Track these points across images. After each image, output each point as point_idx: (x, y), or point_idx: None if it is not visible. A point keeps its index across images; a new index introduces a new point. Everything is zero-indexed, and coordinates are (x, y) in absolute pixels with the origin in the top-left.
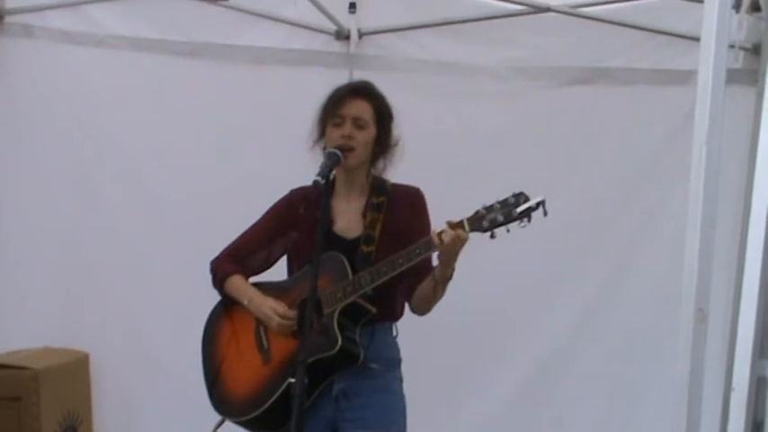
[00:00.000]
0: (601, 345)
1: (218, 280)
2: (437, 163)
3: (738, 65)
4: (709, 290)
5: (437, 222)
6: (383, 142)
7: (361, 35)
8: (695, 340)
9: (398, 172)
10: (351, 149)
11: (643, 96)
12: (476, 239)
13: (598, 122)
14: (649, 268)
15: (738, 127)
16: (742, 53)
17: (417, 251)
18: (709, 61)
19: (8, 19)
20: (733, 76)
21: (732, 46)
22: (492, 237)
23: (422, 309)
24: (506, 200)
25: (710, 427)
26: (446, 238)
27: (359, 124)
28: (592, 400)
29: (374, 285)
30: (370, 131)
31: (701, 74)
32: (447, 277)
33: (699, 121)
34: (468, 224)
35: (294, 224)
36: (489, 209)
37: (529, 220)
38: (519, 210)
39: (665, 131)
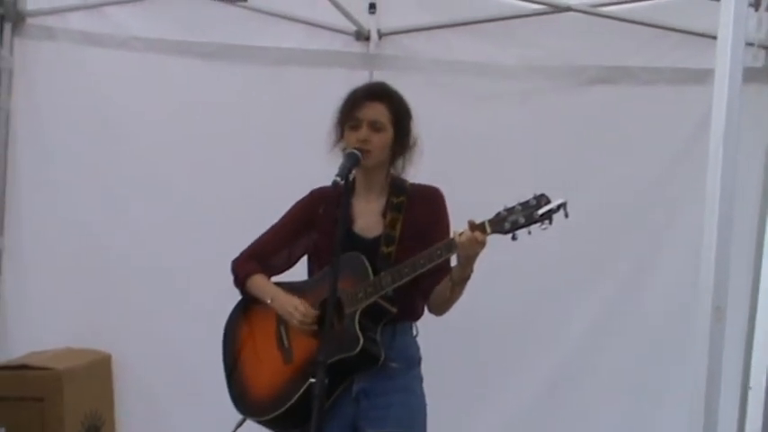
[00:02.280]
0: (620, 346)
1: (241, 279)
2: (457, 163)
3: (758, 63)
4: (726, 288)
5: (458, 222)
6: (402, 142)
7: (380, 35)
8: (713, 339)
9: (419, 172)
10: (368, 152)
11: (662, 95)
12: (495, 240)
13: (617, 121)
14: (669, 268)
15: (757, 125)
16: (763, 52)
17: (439, 252)
18: (725, 59)
19: (30, 21)
20: (752, 75)
21: (751, 44)
22: (513, 239)
23: (439, 309)
24: (527, 202)
25: (728, 426)
26: (467, 240)
27: (375, 127)
28: (611, 401)
29: (395, 286)
30: (387, 133)
31: (718, 72)
32: (465, 278)
33: (715, 119)
34: (490, 226)
35: (314, 224)
36: (510, 211)
37: (550, 223)
38: (540, 212)
39: (684, 130)
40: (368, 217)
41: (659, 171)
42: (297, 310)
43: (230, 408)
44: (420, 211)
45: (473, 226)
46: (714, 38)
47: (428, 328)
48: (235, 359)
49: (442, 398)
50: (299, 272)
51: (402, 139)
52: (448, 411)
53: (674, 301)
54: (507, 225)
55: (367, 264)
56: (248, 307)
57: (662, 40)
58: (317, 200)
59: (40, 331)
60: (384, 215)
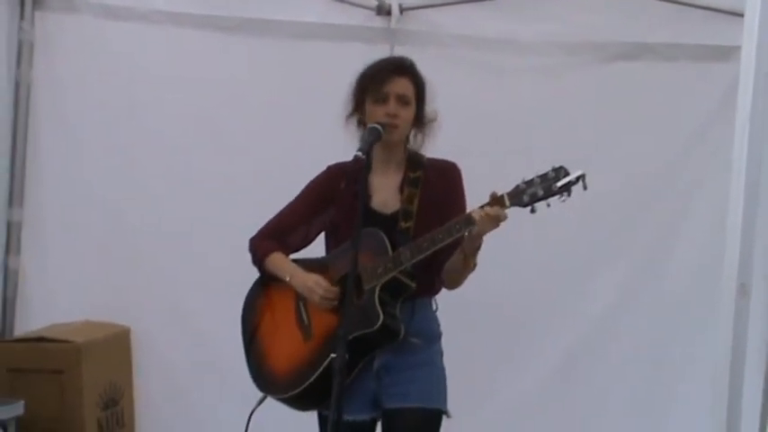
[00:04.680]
0: (641, 322)
1: (259, 258)
2: (478, 138)
3: None
4: (751, 264)
5: (478, 197)
6: (421, 118)
7: (402, 10)
8: (737, 315)
9: (439, 147)
10: (395, 127)
11: (686, 72)
12: (515, 216)
13: (640, 98)
14: (691, 244)
15: None
16: None
17: (458, 227)
18: (753, 36)
19: None
20: None
21: None
22: (532, 211)
23: (453, 282)
24: (546, 174)
25: (752, 403)
26: (485, 215)
27: (403, 101)
28: (632, 378)
29: (414, 261)
30: (413, 108)
31: (745, 49)
32: (476, 249)
33: (742, 97)
34: (509, 199)
35: (332, 200)
36: (529, 183)
37: (569, 195)
38: (559, 184)
39: (708, 108)
40: (385, 192)
41: (681, 147)
42: (318, 285)
43: (250, 382)
44: (437, 186)
45: (494, 200)
46: (738, 15)
47: (448, 304)
48: (254, 337)
49: (462, 373)
50: (317, 250)
51: (422, 113)
52: (467, 386)
53: (696, 277)
54: (526, 198)
55: (386, 239)
56: (266, 285)
57: (685, 17)
58: (334, 175)
59: (59, 304)
60: (401, 190)
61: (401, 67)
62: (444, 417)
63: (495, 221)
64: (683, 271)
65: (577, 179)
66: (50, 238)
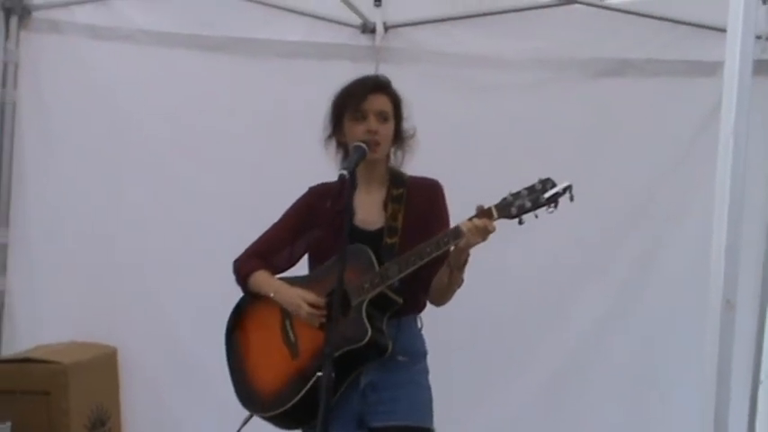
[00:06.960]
0: (628, 339)
1: (242, 277)
2: (463, 155)
3: (766, 56)
4: (736, 281)
5: (463, 213)
6: (400, 134)
7: (386, 28)
8: (723, 330)
9: (424, 163)
10: (377, 144)
11: (669, 88)
12: (504, 232)
13: (624, 114)
14: (678, 260)
15: (764, 117)
16: None
17: (445, 239)
18: (735, 52)
19: (36, 15)
20: (760, 68)
21: (759, 37)
22: (520, 223)
23: (440, 298)
24: (533, 186)
25: (739, 418)
26: (474, 227)
27: (383, 117)
28: (619, 396)
29: (402, 275)
30: (392, 124)
31: (728, 65)
32: (463, 263)
33: (725, 112)
34: (497, 211)
35: (315, 220)
36: (516, 195)
37: (556, 206)
38: (546, 195)
39: (692, 123)
40: (369, 209)
41: (667, 163)
42: (304, 300)
43: (236, 402)
44: (420, 203)
45: (481, 212)
46: (721, 30)
47: (433, 321)
48: (240, 355)
49: (449, 390)
50: (301, 272)
51: (400, 129)
52: (454, 403)
53: (683, 294)
54: (514, 210)
55: (372, 255)
56: (251, 303)
57: (669, 33)
58: (316, 196)
59: (46, 325)
60: (385, 207)
61: (378, 85)
62: None
63: (484, 233)
64: (671, 288)
65: (564, 190)
66: (36, 259)
